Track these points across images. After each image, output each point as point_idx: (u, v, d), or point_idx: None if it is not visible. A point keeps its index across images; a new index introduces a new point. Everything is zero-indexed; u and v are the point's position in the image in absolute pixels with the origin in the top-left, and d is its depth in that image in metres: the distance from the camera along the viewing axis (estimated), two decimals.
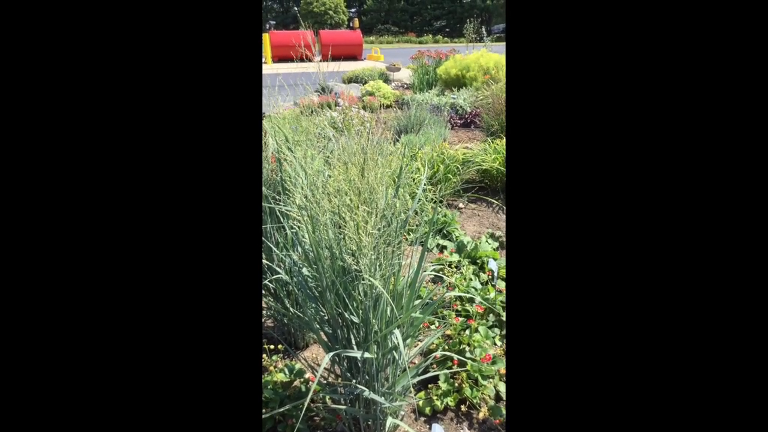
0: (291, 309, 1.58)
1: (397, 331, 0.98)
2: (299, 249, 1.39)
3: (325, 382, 1.40)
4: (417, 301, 1.21)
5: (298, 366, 1.51)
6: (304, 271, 1.21)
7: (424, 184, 1.03)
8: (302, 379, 1.49)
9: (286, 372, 1.50)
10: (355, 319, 1.09)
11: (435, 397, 1.45)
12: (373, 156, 1.02)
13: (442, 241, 2.43)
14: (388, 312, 1.10)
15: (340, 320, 1.09)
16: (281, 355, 1.68)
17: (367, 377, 1.18)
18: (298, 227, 1.10)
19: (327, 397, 1.41)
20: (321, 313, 1.17)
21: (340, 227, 1.05)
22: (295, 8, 33.45)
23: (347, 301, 1.05)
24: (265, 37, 13.76)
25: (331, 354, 1.01)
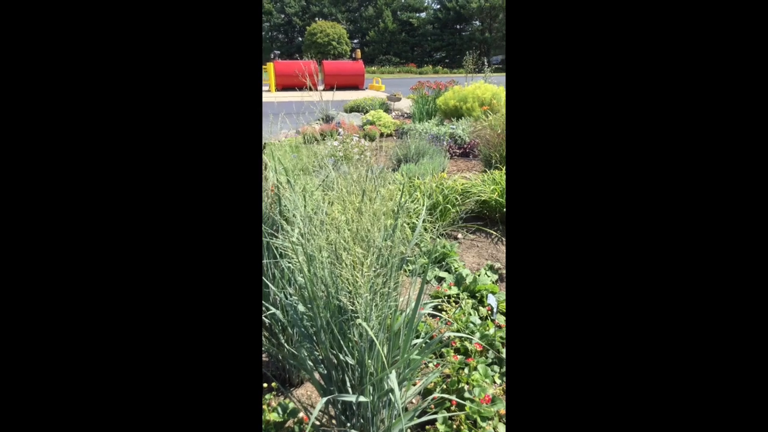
0: (286, 346, 1.54)
1: (393, 375, 0.95)
2: (295, 285, 1.37)
3: (318, 423, 1.35)
4: (416, 341, 1.18)
5: (291, 405, 1.46)
6: (300, 308, 1.18)
7: (424, 217, 1.01)
8: (296, 419, 1.43)
9: (279, 411, 1.44)
10: (350, 361, 1.06)
11: None
12: (371, 193, 1.01)
13: (440, 273, 2.40)
14: (384, 352, 1.07)
15: (335, 361, 1.06)
16: (274, 393, 1.63)
17: (362, 421, 1.14)
18: (294, 263, 1.08)
19: None
20: (315, 352, 1.14)
21: (335, 265, 1.03)
22: (300, 39, 34.39)
23: (342, 342, 1.02)
24: (270, 67, 14.07)
25: (325, 399, 0.97)
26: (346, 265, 0.95)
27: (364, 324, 0.88)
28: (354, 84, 15.37)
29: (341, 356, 1.04)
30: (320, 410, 1.40)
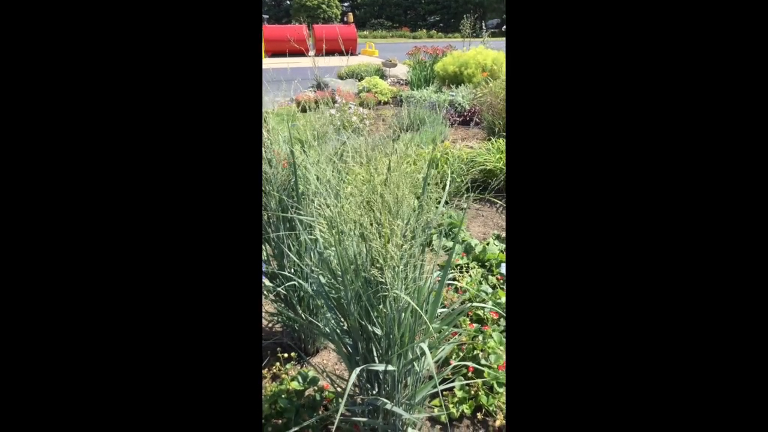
0: (303, 316, 1.55)
1: (424, 344, 0.96)
2: (314, 256, 1.36)
3: (340, 390, 1.37)
4: (441, 309, 1.19)
5: (311, 374, 1.49)
6: (322, 279, 1.18)
7: (447, 188, 0.99)
8: (316, 388, 1.46)
9: (300, 380, 1.47)
10: (378, 332, 1.06)
11: (451, 405, 1.43)
12: (399, 163, 0.99)
13: (448, 243, 2.41)
14: (411, 322, 1.08)
15: (362, 332, 1.06)
16: (293, 362, 1.65)
17: (386, 388, 1.16)
18: (321, 236, 1.07)
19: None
20: (341, 323, 1.15)
21: (363, 238, 1.02)
22: (288, 2, 33.13)
23: (371, 313, 1.02)
24: None
25: (359, 369, 0.98)
26: (376, 236, 0.94)
27: (402, 294, 0.88)
28: (347, 49, 14.96)
29: (369, 327, 1.05)
30: (340, 377, 1.42)
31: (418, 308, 0.89)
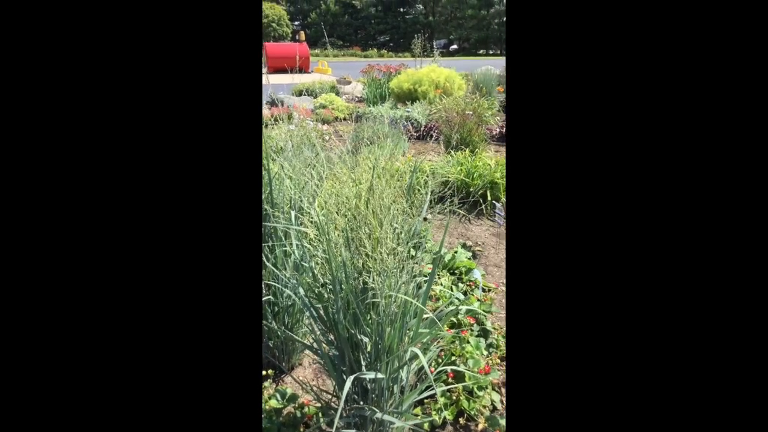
0: (279, 332, 1.51)
1: (417, 348, 0.96)
2: (289, 266, 1.34)
3: (320, 405, 1.34)
4: (425, 315, 1.20)
5: (289, 391, 1.44)
6: (302, 290, 1.16)
7: (428, 198, 1.01)
8: (296, 404, 1.42)
9: (278, 398, 1.42)
10: (366, 340, 1.06)
11: (434, 412, 1.43)
12: (386, 170, 1.00)
13: (414, 253, 2.44)
14: (399, 328, 1.08)
15: (353, 340, 1.05)
16: (270, 379, 1.60)
17: (373, 397, 1.15)
18: (308, 245, 1.05)
19: (323, 421, 1.35)
20: (326, 334, 1.13)
21: (349, 244, 1.02)
22: None
23: (361, 320, 1.01)
24: None
25: (353, 377, 0.97)
26: (365, 242, 0.94)
27: (399, 294, 0.88)
28: (300, 67, 14.93)
29: (358, 335, 1.04)
30: (324, 390, 1.39)
31: (419, 304, 0.90)
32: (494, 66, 8.00)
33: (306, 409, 1.40)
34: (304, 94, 8.48)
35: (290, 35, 26.91)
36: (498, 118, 5.64)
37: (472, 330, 1.78)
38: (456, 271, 2.22)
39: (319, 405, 1.36)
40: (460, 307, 1.31)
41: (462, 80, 6.92)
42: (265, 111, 6.00)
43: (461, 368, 1.55)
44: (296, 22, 34.77)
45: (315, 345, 1.20)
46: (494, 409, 1.50)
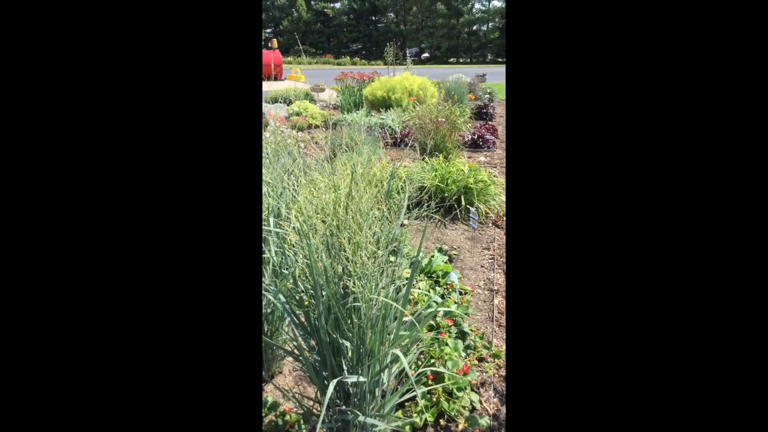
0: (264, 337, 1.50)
1: (398, 351, 0.98)
2: (268, 273, 1.34)
3: (302, 412, 1.34)
4: (405, 318, 1.22)
5: (270, 399, 1.43)
6: (282, 297, 1.16)
7: (406, 203, 1.03)
8: (277, 413, 1.41)
9: None
10: (347, 344, 1.07)
11: (415, 414, 1.45)
12: (364, 175, 1.02)
13: (392, 258, 2.46)
14: (381, 330, 1.10)
15: (335, 344, 1.06)
16: None
17: (356, 401, 1.16)
18: (289, 251, 1.06)
19: (305, 428, 1.35)
20: (308, 339, 1.13)
21: (329, 249, 1.03)
22: None
23: (343, 325, 1.02)
24: None
25: (336, 380, 0.98)
26: (346, 246, 0.96)
27: (382, 296, 0.90)
28: (272, 74, 14.85)
29: (340, 340, 1.05)
30: (305, 396, 1.39)
31: (400, 307, 0.92)
32: (464, 74, 8.18)
33: (288, 417, 1.40)
34: (279, 102, 8.44)
35: (263, 43, 26.73)
36: (470, 125, 5.75)
37: (450, 332, 1.81)
38: (433, 275, 2.25)
39: (301, 412, 1.36)
40: (439, 309, 1.33)
41: (434, 88, 7.04)
42: None
43: (441, 369, 1.58)
44: (268, 30, 34.60)
45: (296, 351, 1.20)
46: (473, 409, 1.53)
